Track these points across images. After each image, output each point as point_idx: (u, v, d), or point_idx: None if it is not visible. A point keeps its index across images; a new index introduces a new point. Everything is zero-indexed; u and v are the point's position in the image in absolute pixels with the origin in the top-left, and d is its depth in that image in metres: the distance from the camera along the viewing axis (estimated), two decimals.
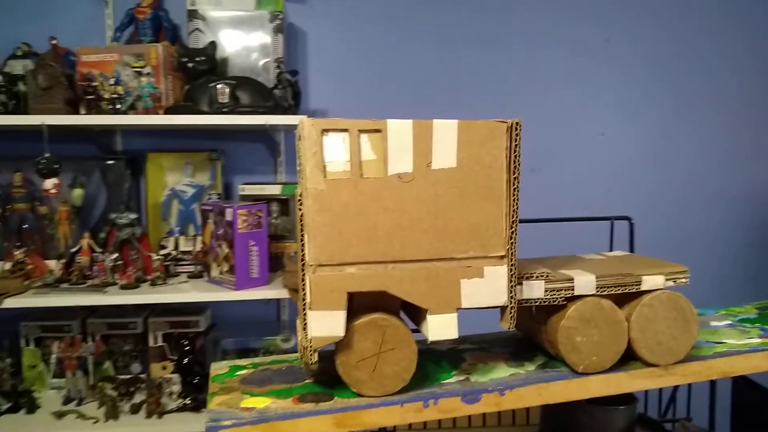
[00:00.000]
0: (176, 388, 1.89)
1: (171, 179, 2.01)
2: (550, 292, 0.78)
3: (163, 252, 1.92)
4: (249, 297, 1.76)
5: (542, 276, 0.78)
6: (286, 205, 2.00)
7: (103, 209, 1.95)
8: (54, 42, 1.68)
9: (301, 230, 0.76)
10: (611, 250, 1.22)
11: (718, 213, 2.30)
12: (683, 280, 0.81)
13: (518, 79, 2.19)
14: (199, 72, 1.74)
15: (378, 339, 0.74)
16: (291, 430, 0.71)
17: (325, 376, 0.82)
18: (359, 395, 0.75)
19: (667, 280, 0.81)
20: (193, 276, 1.92)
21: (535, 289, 0.77)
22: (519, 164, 0.74)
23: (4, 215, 1.86)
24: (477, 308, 0.75)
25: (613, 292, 0.79)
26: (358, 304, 0.74)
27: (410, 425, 1.22)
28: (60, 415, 1.76)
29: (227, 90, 1.72)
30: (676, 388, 1.24)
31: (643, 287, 0.80)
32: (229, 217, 1.75)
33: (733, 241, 2.32)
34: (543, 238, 1.62)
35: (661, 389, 1.30)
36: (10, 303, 1.64)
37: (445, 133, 0.72)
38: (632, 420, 1.08)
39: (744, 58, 2.29)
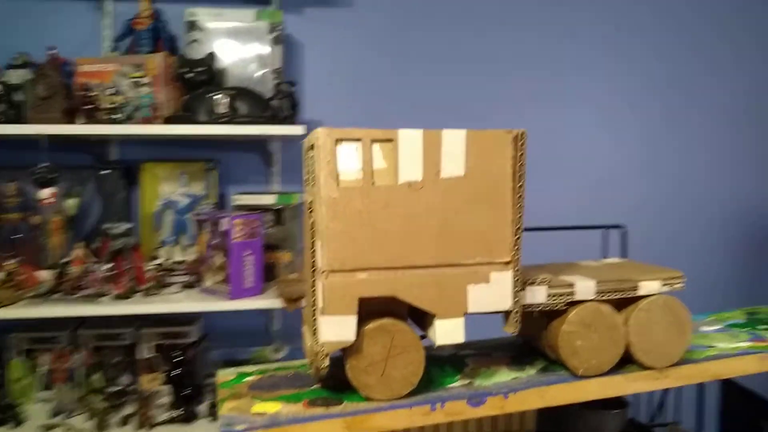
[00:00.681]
0: (166, 399, 1.89)
1: (166, 189, 2.02)
2: (552, 297, 0.81)
3: (156, 262, 1.92)
4: (243, 307, 1.77)
5: (544, 281, 0.81)
6: (279, 215, 2.01)
7: (97, 219, 1.95)
8: (53, 52, 1.69)
9: (312, 237, 0.78)
10: (605, 257, 1.25)
11: (703, 219, 2.36)
12: (679, 285, 0.84)
13: (505, 93, 2.24)
14: (198, 82, 1.76)
15: (387, 344, 0.76)
16: None
17: (333, 381, 0.83)
18: (368, 399, 0.77)
19: (663, 285, 0.84)
20: (186, 286, 1.92)
21: (537, 295, 0.80)
22: (524, 173, 0.77)
23: None
24: (482, 313, 0.77)
25: (611, 297, 0.82)
26: (366, 310, 0.76)
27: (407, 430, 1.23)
28: (48, 428, 1.75)
29: (226, 100, 1.73)
30: (665, 392, 1.27)
31: (640, 292, 0.83)
32: (224, 227, 1.76)
33: (719, 247, 2.38)
34: (534, 246, 1.65)
35: (651, 393, 1.33)
36: (2, 314, 1.63)
37: (454, 142, 0.75)
38: (624, 424, 1.11)
39: (725, 66, 2.36)
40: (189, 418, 1.81)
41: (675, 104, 2.33)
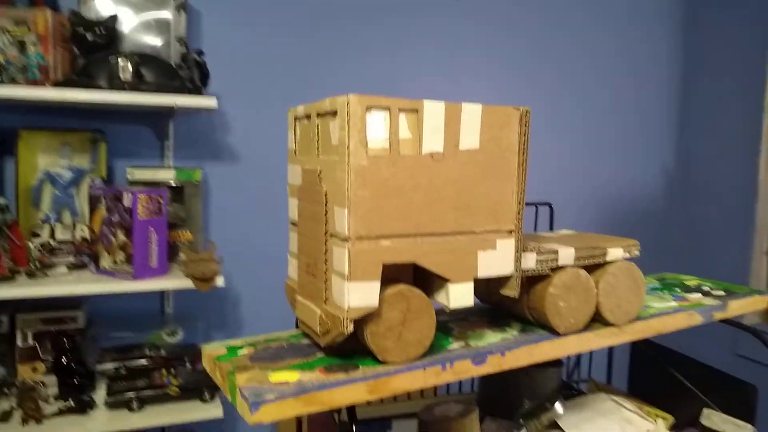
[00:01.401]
0: (52, 390, 1.72)
1: (44, 161, 1.82)
2: (540, 263, 0.88)
3: (38, 241, 1.73)
4: (148, 288, 1.67)
5: (534, 249, 0.88)
6: (178, 192, 1.91)
7: None
8: None
9: (326, 204, 0.77)
10: (535, 230, 1.37)
11: (609, 198, 2.66)
12: (636, 251, 0.96)
13: (410, 69, 2.31)
14: (97, 45, 1.60)
15: (404, 308, 0.78)
16: (329, 399, 0.73)
17: (334, 350, 0.84)
18: (384, 362, 0.79)
19: (625, 251, 0.95)
20: (74, 267, 1.76)
21: (529, 261, 0.87)
22: (528, 148, 0.83)
23: None
24: (489, 277, 0.82)
25: (586, 263, 0.92)
26: None
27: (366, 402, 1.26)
28: None
29: (130, 66, 1.60)
30: (580, 354, 1.43)
31: (608, 258, 0.94)
32: (127, 202, 1.64)
33: (621, 220, 2.69)
34: None
35: (569, 357, 1.49)
36: None
37: (472, 116, 0.78)
38: (560, 380, 1.23)
39: (640, 66, 2.64)
40: (83, 408, 1.67)
41: (590, 94, 2.57)
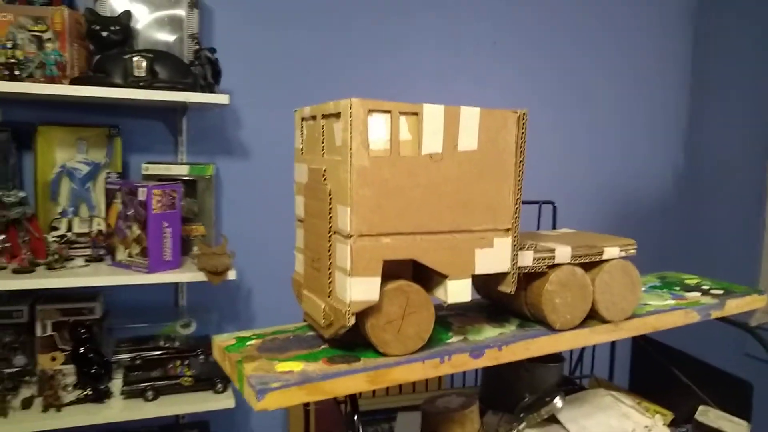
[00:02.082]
0: (71, 379, 1.78)
1: (61, 156, 1.87)
2: (537, 260, 0.91)
3: (56, 234, 1.79)
4: (162, 280, 1.72)
5: (531, 247, 0.91)
6: (191, 186, 1.95)
7: None
8: None
9: (330, 203, 0.81)
10: (538, 229, 1.39)
11: (614, 197, 2.67)
12: (632, 250, 0.99)
13: (417, 74, 2.34)
14: (112, 42, 1.65)
15: (403, 303, 0.81)
16: (331, 388, 0.76)
17: (338, 342, 0.87)
18: (384, 354, 0.82)
19: (621, 250, 0.98)
20: (92, 259, 1.81)
21: (526, 258, 0.90)
22: (525, 150, 0.85)
23: None
24: (486, 274, 0.85)
25: (582, 261, 0.94)
26: None
27: (371, 393, 1.29)
28: None
29: (144, 63, 1.64)
30: (583, 349, 1.45)
31: (604, 256, 0.96)
32: (141, 197, 1.68)
33: (630, 220, 2.70)
34: None
35: (572, 351, 1.51)
36: None
37: (470, 118, 0.81)
38: (561, 375, 1.26)
39: (646, 64, 2.64)
40: (100, 397, 1.73)
41: (593, 93, 2.58)
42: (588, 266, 0.97)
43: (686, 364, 1.29)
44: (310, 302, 0.88)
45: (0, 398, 1.65)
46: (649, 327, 1.02)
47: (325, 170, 0.82)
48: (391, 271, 0.82)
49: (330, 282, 0.82)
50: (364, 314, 0.80)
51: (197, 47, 1.76)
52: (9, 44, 1.57)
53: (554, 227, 1.58)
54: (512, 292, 0.88)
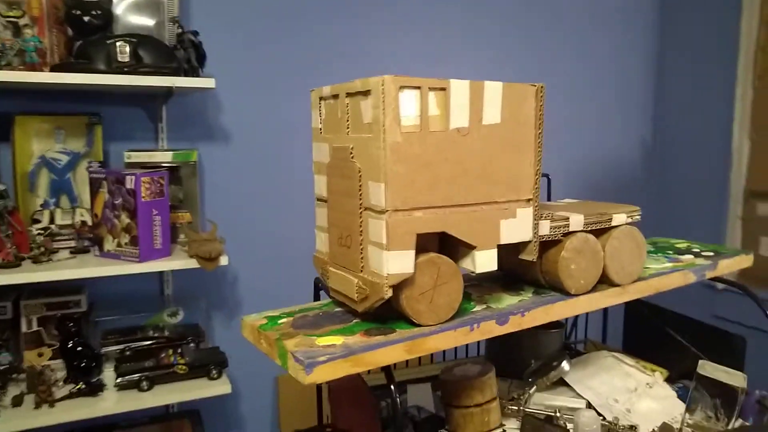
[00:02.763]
0: (60, 374, 1.75)
1: (39, 146, 1.82)
2: (554, 229, 0.95)
3: (39, 226, 1.74)
4: (154, 269, 1.70)
5: (548, 217, 0.94)
6: (175, 173, 1.93)
7: None
8: None
9: (359, 180, 0.82)
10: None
11: (588, 170, 2.75)
12: (637, 216, 1.04)
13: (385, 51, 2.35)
14: (94, 27, 1.60)
15: (434, 274, 0.84)
16: (373, 359, 0.79)
17: (369, 316, 0.90)
18: (417, 325, 0.85)
19: (627, 217, 1.02)
20: (78, 251, 1.77)
21: (544, 227, 0.94)
22: (542, 122, 0.89)
23: None
24: (510, 243, 0.89)
25: (594, 227, 0.99)
26: None
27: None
28: None
29: (128, 48, 1.61)
30: (577, 315, 1.51)
31: (613, 223, 1.01)
32: (130, 185, 1.66)
33: (604, 192, 2.79)
34: None
35: (566, 320, 1.57)
36: None
37: (493, 93, 0.84)
38: (561, 341, 1.31)
39: (618, 40, 2.71)
40: (93, 390, 1.70)
41: (573, 76, 2.64)
42: (598, 233, 1.01)
43: (676, 322, 1.36)
44: (339, 278, 0.89)
45: None
46: (653, 289, 1.08)
47: (352, 148, 0.84)
48: (419, 244, 0.85)
49: (362, 257, 0.84)
50: (398, 287, 0.83)
51: (180, 30, 1.73)
52: None
53: (549, 199, 1.63)
54: (534, 260, 0.92)
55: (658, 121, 2.86)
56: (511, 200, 0.88)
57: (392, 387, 0.85)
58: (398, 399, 0.84)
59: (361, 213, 0.83)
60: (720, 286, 2.43)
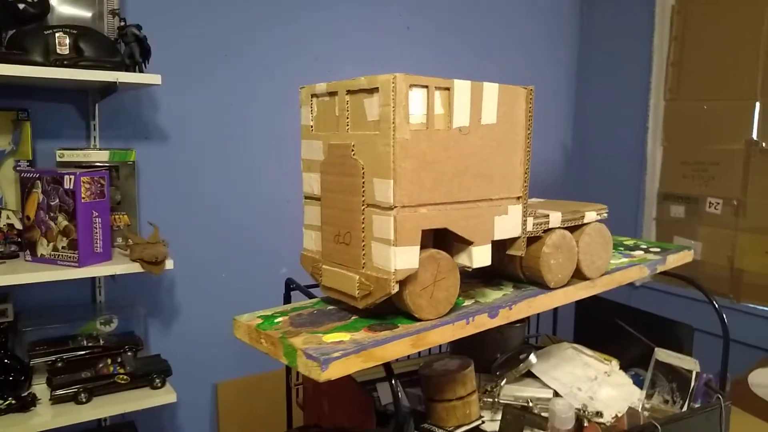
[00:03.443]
0: None
1: None
2: (536, 225, 0.99)
3: None
4: (94, 274, 1.62)
5: (531, 214, 0.99)
6: (112, 173, 1.83)
7: None
8: None
9: (362, 176, 0.83)
10: None
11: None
12: (605, 214, 1.11)
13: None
14: (30, 16, 1.49)
15: (434, 270, 0.86)
16: (382, 353, 0.79)
17: (366, 312, 0.90)
18: (418, 319, 0.86)
19: (597, 214, 1.09)
20: (5, 257, 1.64)
21: (528, 224, 0.98)
22: (532, 123, 0.93)
23: None
24: (502, 239, 0.92)
25: (570, 224, 1.04)
26: None
27: None
28: None
29: (68, 40, 1.51)
30: None
31: (585, 220, 1.07)
32: (68, 185, 1.56)
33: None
34: None
35: None
36: None
37: (491, 93, 0.87)
38: (524, 335, 1.37)
39: (537, 50, 2.82)
40: (26, 405, 1.58)
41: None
42: (572, 229, 1.07)
43: (624, 314, 1.45)
44: (335, 276, 0.89)
45: None
46: (616, 282, 1.15)
47: (353, 145, 0.84)
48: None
49: (364, 254, 0.84)
50: (400, 282, 0.84)
51: (122, 23, 1.64)
52: None
53: None
54: (522, 254, 0.95)
55: (578, 129, 3.04)
56: (504, 198, 0.92)
57: (393, 381, 0.86)
58: (401, 390, 0.85)
59: (363, 210, 0.83)
60: (637, 283, 2.61)
